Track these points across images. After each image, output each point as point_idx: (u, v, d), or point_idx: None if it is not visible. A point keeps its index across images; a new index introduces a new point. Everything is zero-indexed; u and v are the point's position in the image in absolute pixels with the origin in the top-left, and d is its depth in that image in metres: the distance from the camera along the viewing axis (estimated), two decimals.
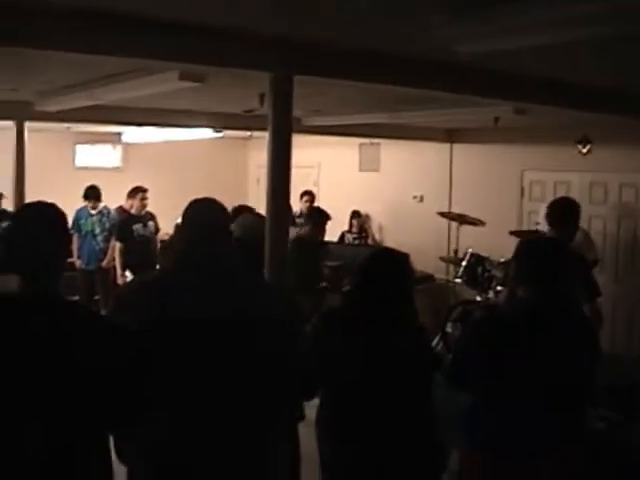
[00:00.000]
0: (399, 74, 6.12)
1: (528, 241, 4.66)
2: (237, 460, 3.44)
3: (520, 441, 4.16)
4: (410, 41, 5.34)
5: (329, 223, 12.99)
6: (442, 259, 11.99)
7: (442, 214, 12.05)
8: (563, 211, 6.93)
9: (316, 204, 13.30)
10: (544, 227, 7.44)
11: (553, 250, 4.44)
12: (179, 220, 10.25)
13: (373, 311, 4.26)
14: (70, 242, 3.56)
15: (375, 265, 4.45)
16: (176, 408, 3.31)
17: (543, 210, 7.55)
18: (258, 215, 6.17)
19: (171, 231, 11.76)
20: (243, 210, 7.92)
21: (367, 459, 4.19)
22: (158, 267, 9.83)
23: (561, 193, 11.21)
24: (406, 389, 4.24)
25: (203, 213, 3.74)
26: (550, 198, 10.52)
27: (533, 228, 10.70)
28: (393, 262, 4.45)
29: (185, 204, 9.21)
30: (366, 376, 4.18)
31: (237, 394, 3.42)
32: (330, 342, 4.17)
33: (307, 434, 4.80)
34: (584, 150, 11.31)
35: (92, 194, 11.82)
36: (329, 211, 13.53)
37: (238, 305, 3.46)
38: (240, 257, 3.90)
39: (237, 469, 3.44)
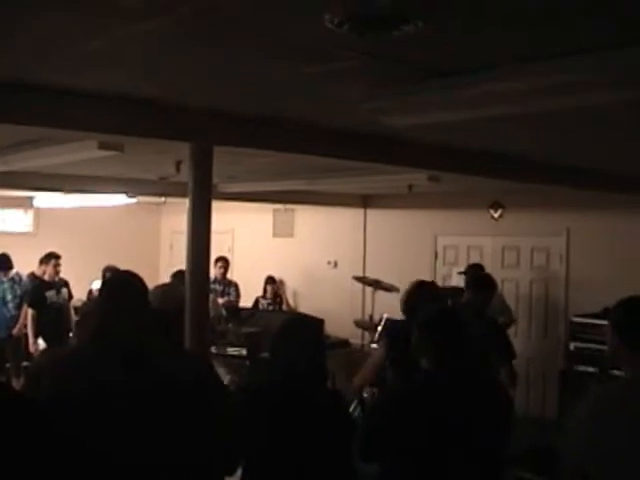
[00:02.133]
0: (318, 144, 6.17)
1: (424, 313, 4.63)
2: None
3: None
4: (333, 113, 5.39)
5: (243, 289, 13.04)
6: (357, 323, 11.99)
7: (357, 279, 12.08)
8: (482, 278, 7.06)
9: (230, 270, 13.26)
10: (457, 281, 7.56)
11: (450, 319, 4.41)
12: (93, 285, 10.13)
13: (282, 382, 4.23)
14: None
15: (286, 335, 4.42)
16: None
17: (455, 274, 7.68)
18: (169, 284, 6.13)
19: (84, 297, 11.61)
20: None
21: None
22: (72, 335, 9.61)
23: (474, 257, 11.39)
24: (325, 456, 4.19)
25: (118, 289, 3.69)
26: (463, 262, 10.72)
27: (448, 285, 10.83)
28: (305, 331, 4.45)
29: (98, 269, 9.07)
30: (280, 446, 4.14)
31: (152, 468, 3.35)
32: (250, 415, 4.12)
33: None
34: (496, 215, 11.51)
35: (2, 265, 11.61)
36: (243, 277, 13.57)
37: (148, 384, 3.41)
38: (158, 330, 3.80)
39: None
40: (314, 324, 4.56)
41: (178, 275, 8.23)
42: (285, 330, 4.43)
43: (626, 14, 2.99)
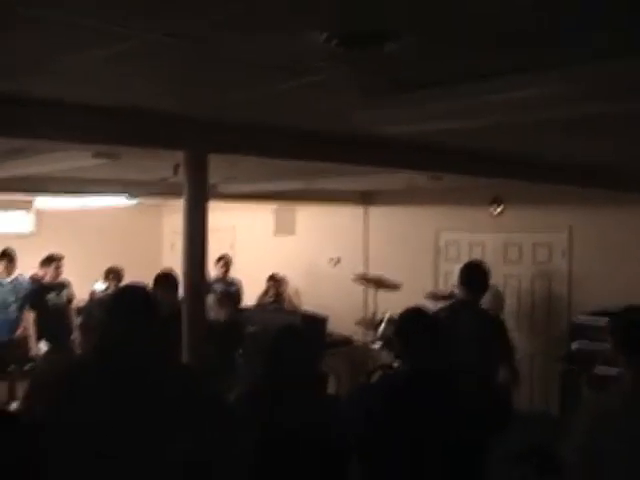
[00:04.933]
0: (314, 150, 6.16)
1: (402, 316, 4.62)
2: None
3: None
4: (326, 121, 5.38)
5: (245, 287, 13.02)
6: (358, 323, 12.00)
7: (358, 277, 12.06)
8: (475, 275, 7.03)
9: (232, 268, 13.23)
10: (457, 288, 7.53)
11: (423, 322, 4.42)
12: (96, 286, 10.05)
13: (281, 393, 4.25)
14: None
15: (280, 347, 4.43)
16: None
17: (458, 271, 7.64)
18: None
19: (86, 297, 11.60)
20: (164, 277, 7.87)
21: None
22: (76, 341, 9.56)
23: (476, 253, 11.34)
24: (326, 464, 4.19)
25: (123, 303, 3.67)
26: (465, 258, 10.66)
27: (449, 289, 10.81)
28: (299, 342, 4.46)
29: (100, 270, 9.02)
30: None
31: None
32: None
33: None
34: (496, 212, 11.48)
35: (5, 255, 11.57)
36: (246, 274, 13.54)
37: (148, 404, 3.38)
38: (163, 342, 3.78)
39: None
40: (307, 334, 4.61)
41: (159, 281, 8.05)
42: (277, 343, 4.46)
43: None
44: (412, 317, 4.51)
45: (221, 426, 3.62)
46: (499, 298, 9.90)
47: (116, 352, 3.49)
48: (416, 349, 4.29)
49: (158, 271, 8.30)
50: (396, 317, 4.68)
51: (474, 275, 7.03)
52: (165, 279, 8.06)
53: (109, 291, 8.96)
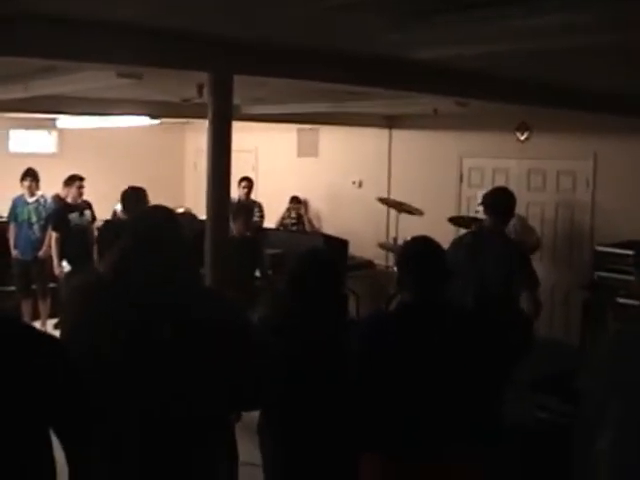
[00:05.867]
0: (340, 72, 6.09)
1: (405, 247, 4.57)
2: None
3: (404, 443, 4.11)
4: (356, 42, 5.30)
5: (267, 209, 13.02)
6: (380, 246, 11.96)
7: (381, 200, 12.00)
8: (500, 201, 6.97)
9: (254, 189, 13.23)
10: (482, 214, 7.49)
11: (428, 254, 4.30)
12: (117, 207, 10.11)
13: (305, 316, 4.30)
14: None
15: (303, 270, 4.46)
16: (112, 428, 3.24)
17: (481, 197, 7.59)
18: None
19: (109, 217, 11.61)
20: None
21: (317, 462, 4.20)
22: (97, 260, 9.55)
23: (500, 180, 11.28)
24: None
25: (142, 223, 3.64)
26: (489, 185, 10.62)
27: (472, 214, 10.78)
28: (322, 267, 4.48)
29: (122, 189, 9.07)
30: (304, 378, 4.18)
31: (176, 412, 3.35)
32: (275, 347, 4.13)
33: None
34: (522, 137, 11.38)
35: (30, 174, 11.61)
36: (268, 197, 13.55)
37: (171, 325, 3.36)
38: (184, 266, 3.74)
39: None
40: (330, 259, 4.61)
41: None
42: (300, 268, 4.50)
43: None
44: (417, 247, 4.43)
45: (249, 348, 3.61)
46: (527, 225, 9.86)
47: (134, 275, 3.46)
48: (421, 280, 4.21)
49: (181, 190, 8.40)
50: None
51: (499, 201, 6.97)
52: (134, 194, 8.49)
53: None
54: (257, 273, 9.67)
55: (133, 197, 8.65)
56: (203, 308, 3.47)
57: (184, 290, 3.48)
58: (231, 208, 8.37)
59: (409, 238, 4.60)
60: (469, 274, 6.56)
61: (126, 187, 8.79)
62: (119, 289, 3.44)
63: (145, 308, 3.32)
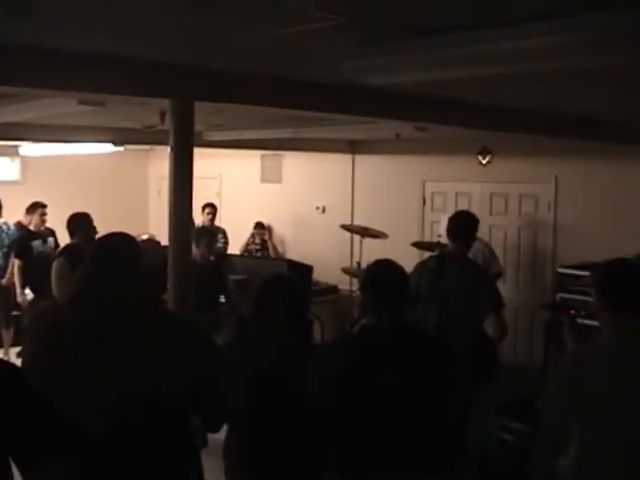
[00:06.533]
0: (300, 98, 6.12)
1: (368, 269, 4.57)
2: None
3: (365, 465, 4.08)
4: (315, 69, 5.34)
5: (231, 235, 13.02)
6: (344, 271, 11.99)
7: (345, 227, 12.05)
8: (461, 225, 7.01)
9: (219, 216, 13.24)
10: (445, 239, 7.53)
11: (390, 277, 4.29)
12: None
13: (268, 341, 4.35)
14: None
15: (268, 293, 4.52)
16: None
17: (444, 221, 7.64)
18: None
19: None
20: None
21: None
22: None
23: (463, 203, 11.37)
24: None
25: (105, 254, 3.64)
26: (452, 208, 10.69)
27: (435, 240, 10.83)
28: (286, 289, 4.56)
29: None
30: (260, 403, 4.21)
31: (139, 434, 3.36)
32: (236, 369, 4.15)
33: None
34: (484, 161, 11.48)
35: None
36: (232, 223, 13.56)
37: (124, 348, 3.37)
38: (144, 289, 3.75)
39: None
40: (294, 284, 4.66)
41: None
42: (265, 290, 4.55)
43: None
44: (380, 270, 4.38)
45: (208, 361, 3.63)
46: (493, 253, 9.92)
47: (94, 300, 3.47)
48: (384, 304, 4.19)
49: (145, 217, 8.41)
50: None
51: (462, 225, 7.02)
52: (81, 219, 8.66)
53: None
54: (222, 298, 9.68)
55: (83, 222, 8.71)
56: (157, 320, 3.51)
57: (139, 305, 3.52)
58: (193, 234, 8.41)
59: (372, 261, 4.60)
60: (432, 298, 6.61)
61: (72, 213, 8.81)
62: (77, 318, 3.44)
63: (100, 330, 3.35)
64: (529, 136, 8.99)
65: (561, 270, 9.67)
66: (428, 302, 6.63)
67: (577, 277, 9.04)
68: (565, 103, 7.15)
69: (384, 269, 4.37)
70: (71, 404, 3.19)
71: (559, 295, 9.44)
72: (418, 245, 10.92)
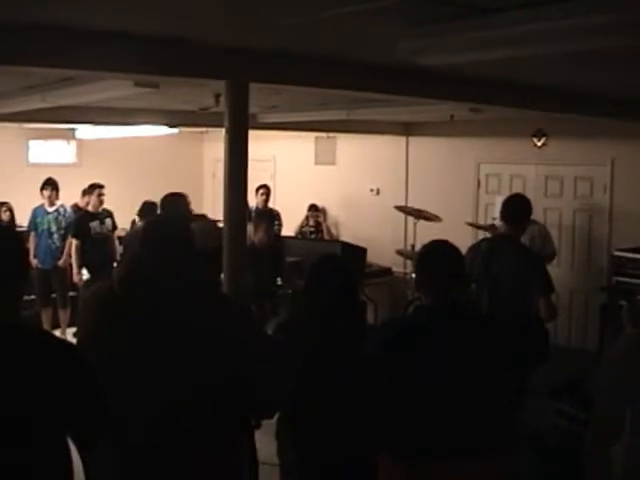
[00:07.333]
0: (354, 79, 6.11)
1: (423, 248, 4.56)
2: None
3: (421, 447, 4.11)
4: (369, 49, 5.32)
5: (285, 217, 13.04)
6: (399, 252, 11.97)
7: (399, 208, 12.01)
8: (514, 208, 6.98)
9: (272, 198, 13.27)
10: (499, 222, 7.50)
11: (445, 255, 4.32)
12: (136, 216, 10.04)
13: (319, 322, 4.32)
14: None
15: (320, 275, 4.50)
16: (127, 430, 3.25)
17: (499, 204, 7.60)
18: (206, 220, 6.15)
19: (128, 227, 11.64)
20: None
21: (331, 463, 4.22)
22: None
23: (517, 186, 11.28)
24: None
25: (157, 236, 3.64)
26: (506, 191, 10.62)
27: (489, 222, 10.78)
28: (337, 272, 4.51)
29: (142, 199, 9.12)
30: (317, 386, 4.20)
31: (186, 414, 3.37)
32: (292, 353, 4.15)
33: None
34: (539, 143, 11.37)
35: (50, 184, 11.66)
36: (285, 205, 13.57)
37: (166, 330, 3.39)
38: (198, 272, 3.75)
39: None
40: (345, 266, 4.65)
41: (145, 207, 8.36)
42: (315, 274, 4.53)
43: None
44: (435, 248, 4.42)
45: (260, 351, 3.63)
46: (546, 234, 9.84)
47: (144, 284, 3.48)
48: (439, 283, 4.22)
49: (200, 199, 8.42)
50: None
51: (515, 208, 6.98)
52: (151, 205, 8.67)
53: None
54: (279, 281, 9.69)
55: (153, 207, 8.75)
56: (211, 314, 3.50)
57: (191, 297, 3.50)
58: (251, 217, 8.41)
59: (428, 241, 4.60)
60: (484, 280, 6.60)
61: (164, 194, 8.52)
62: (127, 300, 3.46)
63: (152, 316, 3.35)
64: (585, 118, 8.91)
65: (618, 253, 9.58)
66: (479, 284, 6.63)
67: (634, 260, 8.96)
68: (620, 85, 7.07)
69: (440, 249, 4.40)
70: (124, 385, 3.23)
71: (615, 278, 9.36)
72: (473, 225, 10.89)
